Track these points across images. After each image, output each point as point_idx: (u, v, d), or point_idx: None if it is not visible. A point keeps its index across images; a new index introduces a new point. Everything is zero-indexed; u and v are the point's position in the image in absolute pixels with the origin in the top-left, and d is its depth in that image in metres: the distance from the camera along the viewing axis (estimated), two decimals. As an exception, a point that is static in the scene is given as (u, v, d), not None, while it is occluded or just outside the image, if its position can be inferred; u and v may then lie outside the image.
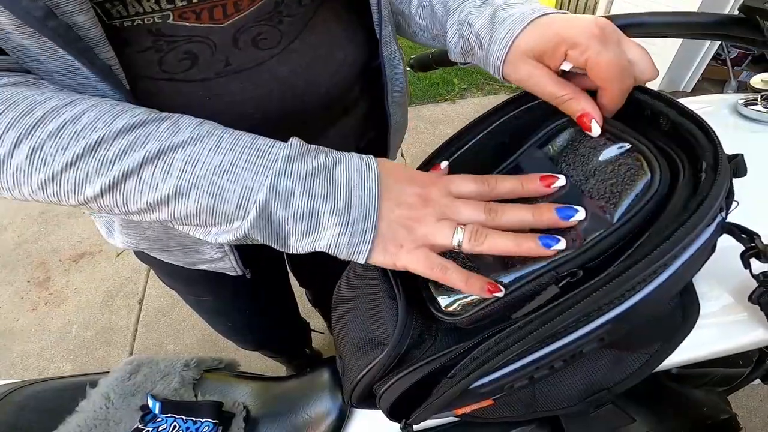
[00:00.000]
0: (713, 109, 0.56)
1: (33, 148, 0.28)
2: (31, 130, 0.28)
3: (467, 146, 0.38)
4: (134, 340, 1.56)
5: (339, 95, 0.47)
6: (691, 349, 0.38)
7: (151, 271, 1.74)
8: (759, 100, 0.53)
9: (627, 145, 0.30)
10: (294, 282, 0.88)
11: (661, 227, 0.26)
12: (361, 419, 0.45)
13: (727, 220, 0.28)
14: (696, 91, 2.87)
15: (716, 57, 2.83)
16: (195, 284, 0.63)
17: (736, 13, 0.59)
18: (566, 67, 0.33)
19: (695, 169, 0.27)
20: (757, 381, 0.56)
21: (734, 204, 0.27)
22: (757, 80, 0.75)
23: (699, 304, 0.34)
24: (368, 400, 0.35)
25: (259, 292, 0.72)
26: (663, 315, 0.32)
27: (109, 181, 0.28)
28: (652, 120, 0.32)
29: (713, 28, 0.61)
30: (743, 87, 2.90)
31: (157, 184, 0.29)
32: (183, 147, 0.29)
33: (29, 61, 0.32)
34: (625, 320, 0.26)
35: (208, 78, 0.38)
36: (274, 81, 0.40)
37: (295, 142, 0.32)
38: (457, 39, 0.42)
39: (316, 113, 0.46)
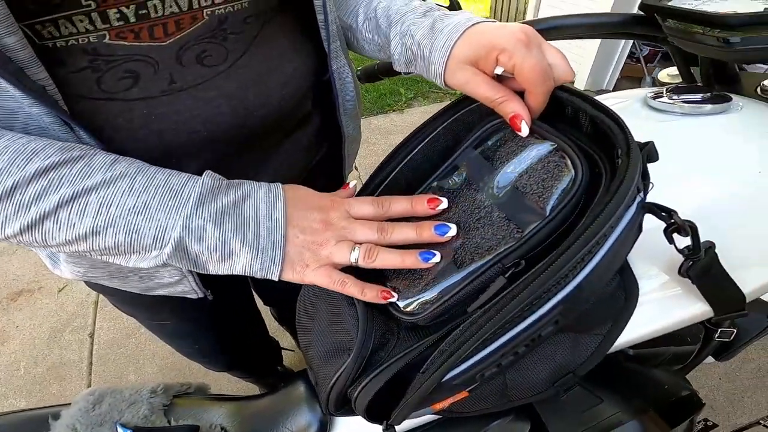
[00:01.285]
0: (627, 104, 0.62)
1: None
2: None
3: (414, 152, 0.41)
4: (90, 373, 1.49)
5: (290, 108, 0.48)
6: (637, 328, 0.42)
7: (101, 304, 1.66)
8: (665, 93, 0.58)
9: (552, 145, 0.34)
10: (259, 300, 0.87)
11: (589, 215, 0.29)
12: (342, 428, 0.45)
13: (647, 201, 0.31)
14: (617, 89, 3.16)
15: (631, 56, 3.10)
16: (155, 309, 0.61)
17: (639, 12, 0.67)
18: (498, 71, 0.36)
19: (613, 159, 0.31)
20: (712, 360, 0.62)
21: (651, 185, 0.31)
22: (663, 74, 0.84)
23: (637, 284, 0.38)
24: (345, 407, 0.36)
25: (224, 313, 0.70)
26: (607, 296, 0.36)
27: (28, 222, 0.30)
28: (573, 117, 0.36)
29: (620, 27, 0.68)
30: (658, 84, 3.21)
31: (74, 224, 0.31)
32: (96, 190, 0.31)
33: None
34: (573, 301, 0.29)
35: (152, 96, 0.37)
36: (221, 97, 0.40)
37: (207, 179, 0.34)
38: (401, 49, 0.45)
39: (269, 128, 0.46)
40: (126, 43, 0.35)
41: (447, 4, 0.79)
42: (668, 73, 0.79)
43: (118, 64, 0.35)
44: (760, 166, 0.46)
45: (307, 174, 0.57)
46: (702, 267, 0.36)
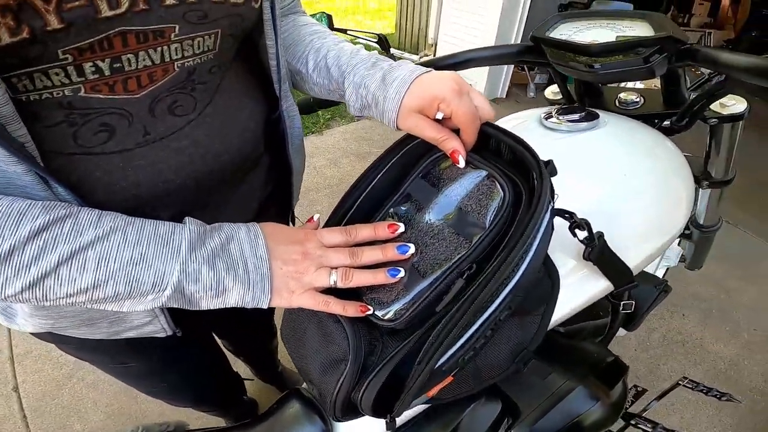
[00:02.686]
0: (526, 124, 0.73)
1: None
2: None
3: (372, 184, 0.48)
4: (27, 426, 1.34)
5: (248, 152, 0.51)
6: (563, 306, 0.52)
7: (18, 359, 1.51)
8: (554, 114, 0.69)
9: (485, 173, 0.43)
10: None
11: (518, 226, 0.38)
12: (344, 432, 0.49)
13: (555, 207, 0.41)
14: (509, 96, 3.57)
15: (516, 65, 3.50)
16: (119, 353, 0.60)
17: (528, 41, 0.81)
18: (439, 116, 0.45)
19: (530, 181, 0.40)
20: (624, 332, 0.74)
21: (556, 196, 0.41)
22: (548, 92, 1.00)
23: (557, 270, 0.47)
24: (350, 411, 0.41)
25: (190, 348, 0.70)
26: (539, 283, 0.45)
27: (29, 281, 0.32)
28: (496, 147, 0.45)
29: (517, 56, 0.82)
30: (540, 87, 3.67)
31: (75, 279, 0.33)
32: (92, 246, 0.33)
33: None
34: (519, 289, 0.37)
35: (128, 149, 0.39)
36: (192, 146, 0.43)
37: (192, 226, 0.38)
38: (355, 98, 0.51)
39: (230, 172, 0.49)
40: (101, 96, 0.36)
41: (376, 39, 0.87)
42: (552, 91, 0.95)
43: (93, 117, 0.36)
44: (624, 170, 0.60)
45: (259, 208, 0.60)
46: (598, 251, 0.47)
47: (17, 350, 1.55)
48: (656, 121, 0.80)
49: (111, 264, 0.34)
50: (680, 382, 0.77)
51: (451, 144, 0.44)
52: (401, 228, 0.43)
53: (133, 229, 0.35)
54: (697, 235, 0.97)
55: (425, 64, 0.79)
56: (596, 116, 0.67)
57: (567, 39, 0.72)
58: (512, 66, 3.43)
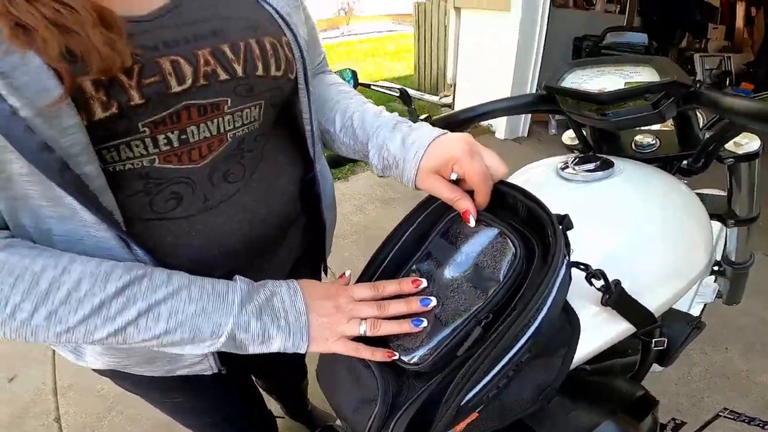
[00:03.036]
0: (543, 174, 0.75)
1: (50, 313, 0.36)
2: (44, 299, 0.35)
3: (398, 244, 0.53)
4: None
5: (287, 213, 0.56)
6: (584, 347, 0.53)
7: (62, 390, 1.59)
8: (570, 164, 0.71)
9: (497, 231, 0.46)
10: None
11: (533, 278, 0.42)
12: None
13: (571, 260, 0.45)
14: (531, 134, 3.61)
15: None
16: (171, 389, 0.64)
17: (542, 90, 0.85)
18: (453, 177, 0.49)
19: (545, 237, 0.44)
20: (660, 368, 0.74)
21: (572, 250, 0.44)
22: (566, 137, 1.02)
23: (577, 316, 0.49)
24: None
25: (232, 386, 0.76)
26: (559, 328, 0.47)
27: (114, 329, 0.38)
28: (513, 205, 0.49)
29: (532, 106, 0.87)
30: (561, 124, 3.67)
31: (151, 327, 0.39)
32: (165, 301, 0.39)
33: (25, 209, 0.36)
34: (539, 335, 0.40)
35: (191, 215, 0.45)
36: (241, 211, 0.48)
37: (242, 285, 0.44)
38: (378, 159, 0.56)
39: (273, 233, 0.54)
40: (171, 166, 0.42)
41: (398, 94, 0.93)
42: (569, 136, 0.97)
43: (165, 186, 0.43)
44: (639, 217, 0.62)
45: (296, 262, 0.64)
46: (615, 297, 0.50)
47: (61, 383, 1.63)
48: (674, 162, 0.82)
49: (179, 316, 0.40)
50: (721, 414, 0.75)
51: (463, 204, 0.48)
52: (424, 283, 0.48)
53: (195, 286, 0.42)
54: (730, 272, 0.96)
55: (446, 118, 0.85)
56: (611, 165, 0.69)
57: (577, 88, 0.76)
58: None
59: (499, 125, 3.70)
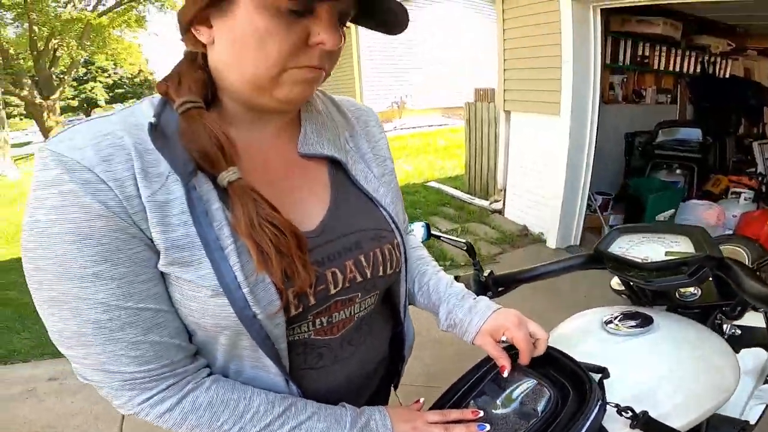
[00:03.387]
0: (588, 326, 0.87)
1: (240, 428, 0.51)
2: (239, 419, 0.51)
3: (463, 387, 0.70)
4: None
5: (381, 356, 0.71)
6: None
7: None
8: (613, 320, 0.83)
9: (535, 381, 0.63)
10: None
11: (567, 411, 0.57)
12: None
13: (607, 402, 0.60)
14: (584, 242, 3.56)
15: (589, 206, 3.59)
16: None
17: (592, 251, 1.00)
18: (503, 338, 0.67)
19: (578, 384, 0.60)
20: None
21: (606, 398, 0.60)
22: (614, 283, 1.14)
23: None
24: None
25: None
26: None
27: None
28: (555, 361, 0.66)
29: (583, 266, 1.01)
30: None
31: None
32: (306, 421, 0.54)
33: (233, 358, 0.53)
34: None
35: (326, 366, 0.61)
36: (356, 362, 0.64)
37: (350, 411, 0.57)
38: (445, 318, 0.73)
39: (370, 371, 0.69)
40: (320, 338, 0.58)
41: (465, 247, 1.10)
42: (616, 282, 1.10)
43: (314, 349, 0.59)
44: (672, 365, 0.75)
45: (378, 387, 0.77)
46: (643, 423, 0.63)
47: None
48: (714, 309, 0.92)
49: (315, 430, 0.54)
50: None
51: (501, 362, 0.65)
52: (480, 413, 0.62)
53: (323, 412, 0.56)
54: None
55: (505, 276, 1.01)
56: (651, 321, 0.83)
57: (623, 255, 0.92)
58: (584, 210, 3.52)
59: (550, 233, 3.66)
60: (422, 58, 12.15)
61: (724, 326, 0.95)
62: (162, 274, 0.47)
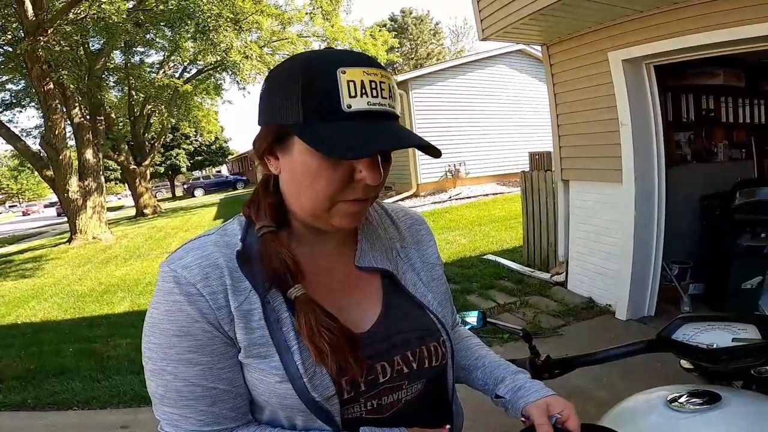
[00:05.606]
0: (651, 404, 0.84)
1: None
2: None
3: None
4: None
5: None
6: None
7: None
8: (680, 398, 0.79)
9: None
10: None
11: None
12: None
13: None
14: (660, 313, 3.28)
15: (664, 276, 3.31)
16: None
17: (654, 336, 0.95)
18: (556, 414, 0.67)
19: None
20: None
21: None
22: (683, 362, 1.06)
23: None
24: None
25: None
26: None
27: None
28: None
29: (645, 351, 0.97)
30: (696, 299, 3.30)
31: None
32: None
33: (286, 420, 0.61)
34: None
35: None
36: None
37: (367, 429, 0.61)
38: (508, 383, 0.75)
39: None
40: (370, 416, 0.64)
41: (521, 333, 1.09)
42: (686, 362, 1.03)
43: (365, 422, 0.63)
44: None
45: None
46: None
47: None
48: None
49: None
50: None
51: (544, 429, 0.66)
52: None
53: None
54: None
55: (563, 360, 0.98)
56: (719, 398, 0.77)
57: (688, 341, 0.88)
58: (657, 279, 3.28)
59: (620, 303, 3.34)
60: (476, 124, 12.25)
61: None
62: (241, 363, 0.60)
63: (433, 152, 0.58)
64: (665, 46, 2.76)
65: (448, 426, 0.67)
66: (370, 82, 0.53)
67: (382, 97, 0.54)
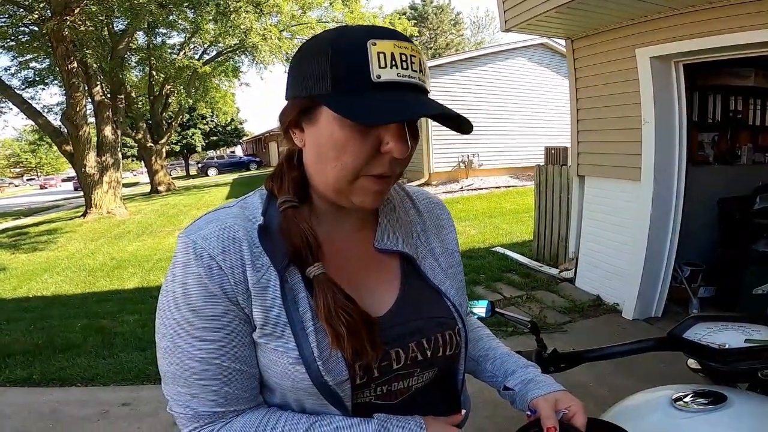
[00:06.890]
0: (655, 403, 0.83)
1: None
2: None
3: None
4: None
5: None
6: None
7: None
8: (683, 399, 0.79)
9: None
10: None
11: None
12: None
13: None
14: (667, 314, 3.26)
15: (674, 278, 3.27)
16: None
17: (665, 334, 0.94)
18: (564, 410, 0.65)
19: None
20: None
21: None
22: (691, 362, 1.05)
23: None
24: None
25: None
26: None
27: None
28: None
29: (653, 348, 0.97)
30: (706, 302, 3.26)
31: None
32: (336, 426, 0.57)
33: (297, 403, 0.60)
34: None
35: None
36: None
37: (379, 421, 0.58)
38: (517, 376, 0.74)
39: None
40: (380, 402, 0.63)
41: (529, 325, 1.09)
42: (693, 361, 1.02)
43: (374, 410, 0.62)
44: None
45: None
46: None
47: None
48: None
49: None
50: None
51: (550, 422, 0.64)
52: None
53: (347, 425, 0.58)
54: None
55: (570, 354, 0.97)
56: (724, 399, 0.76)
57: (699, 341, 0.86)
58: (668, 280, 3.24)
59: (628, 302, 3.31)
60: (492, 116, 12.04)
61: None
62: (255, 342, 0.59)
63: (465, 127, 0.57)
64: (697, 44, 2.70)
65: (463, 411, 0.68)
66: (401, 54, 0.52)
67: (413, 70, 0.53)
